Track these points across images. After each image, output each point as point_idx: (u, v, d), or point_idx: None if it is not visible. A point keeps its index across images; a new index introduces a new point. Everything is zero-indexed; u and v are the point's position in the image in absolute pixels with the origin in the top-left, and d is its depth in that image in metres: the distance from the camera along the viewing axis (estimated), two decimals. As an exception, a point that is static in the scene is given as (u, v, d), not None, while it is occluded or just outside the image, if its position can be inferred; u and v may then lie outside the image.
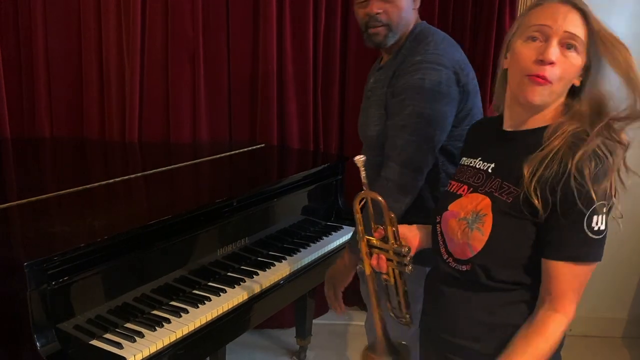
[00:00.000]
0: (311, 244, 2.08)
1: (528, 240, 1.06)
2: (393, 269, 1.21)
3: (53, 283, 1.32)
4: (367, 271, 1.23)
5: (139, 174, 2.07)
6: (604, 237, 1.03)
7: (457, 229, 1.14)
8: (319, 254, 2.04)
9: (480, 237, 1.09)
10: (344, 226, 2.25)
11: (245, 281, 1.76)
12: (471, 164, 1.21)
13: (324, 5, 2.57)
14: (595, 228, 1.00)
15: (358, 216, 1.23)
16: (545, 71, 1.03)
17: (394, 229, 1.19)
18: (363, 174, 1.19)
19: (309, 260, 1.99)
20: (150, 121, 2.71)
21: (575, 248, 1.02)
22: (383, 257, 1.20)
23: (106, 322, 1.46)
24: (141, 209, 1.82)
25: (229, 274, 1.80)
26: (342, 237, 2.17)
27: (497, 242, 1.08)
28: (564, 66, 1.04)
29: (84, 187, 1.86)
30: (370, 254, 1.22)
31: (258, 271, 1.83)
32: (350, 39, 2.62)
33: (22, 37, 2.75)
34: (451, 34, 2.47)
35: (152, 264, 1.59)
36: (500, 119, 1.20)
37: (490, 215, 1.08)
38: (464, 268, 1.13)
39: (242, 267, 1.85)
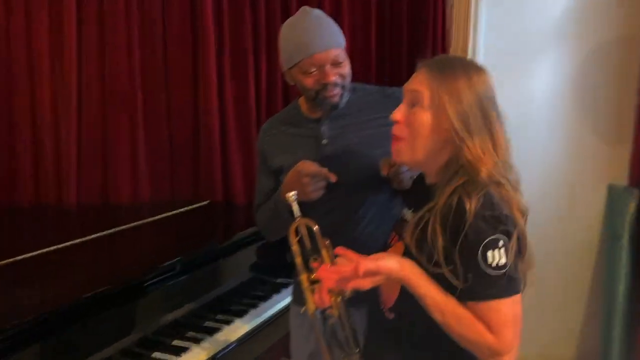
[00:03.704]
0: (261, 304, 2.02)
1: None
2: (335, 298, 1.16)
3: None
4: (311, 310, 1.18)
5: (76, 241, 1.97)
6: (513, 267, 1.01)
7: None
8: (270, 314, 1.99)
9: (395, 285, 1.11)
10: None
11: (191, 349, 1.68)
12: (404, 216, 1.24)
13: (264, 58, 2.60)
14: (494, 264, 0.99)
15: (294, 248, 1.21)
16: (394, 130, 1.12)
17: (329, 253, 1.17)
18: (295, 207, 1.24)
19: (260, 322, 1.93)
20: (87, 181, 2.63)
21: (483, 287, 1.00)
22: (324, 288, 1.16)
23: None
24: (78, 280, 1.71)
25: (174, 343, 1.72)
26: (293, 293, 2.13)
27: (407, 290, 1.07)
28: (409, 122, 1.10)
29: (14, 259, 1.75)
30: (312, 291, 1.17)
31: (205, 337, 1.75)
32: (291, 92, 2.65)
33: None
34: (389, 69, 2.58)
35: (91, 338, 1.49)
36: None
37: None
38: (391, 316, 1.16)
39: (188, 334, 1.77)
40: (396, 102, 1.53)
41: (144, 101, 2.59)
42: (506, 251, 1.00)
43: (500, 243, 1.00)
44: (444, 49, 2.47)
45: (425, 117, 1.08)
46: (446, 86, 1.07)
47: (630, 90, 2.43)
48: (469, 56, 2.47)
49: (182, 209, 2.44)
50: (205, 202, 2.56)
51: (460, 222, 1.00)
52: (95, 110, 2.59)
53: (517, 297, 1.03)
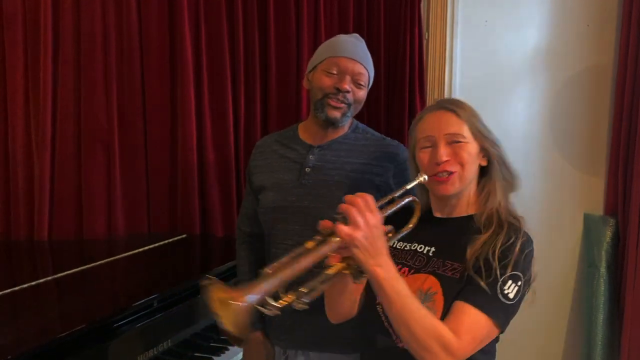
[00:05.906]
0: (240, 340, 1.97)
1: None
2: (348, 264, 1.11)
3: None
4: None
5: (48, 278, 1.91)
6: (512, 307, 1.13)
7: None
8: (249, 351, 1.93)
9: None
10: (273, 316, 2.16)
11: (169, 391, 1.63)
12: (406, 248, 1.28)
13: (242, 92, 2.59)
14: (506, 292, 1.11)
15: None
16: (445, 167, 1.22)
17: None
18: None
19: None
20: (61, 217, 2.57)
21: (482, 297, 1.11)
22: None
23: None
24: (50, 319, 1.66)
25: (151, 384, 1.66)
26: (273, 328, 2.08)
27: None
28: (458, 158, 1.23)
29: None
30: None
31: (183, 376, 1.70)
32: (270, 125, 2.65)
33: None
34: (366, 102, 2.58)
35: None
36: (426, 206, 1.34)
37: (441, 292, 1.15)
38: (401, 344, 1.16)
39: (166, 374, 1.72)
40: (388, 157, 1.59)
41: (120, 135, 2.56)
42: (518, 292, 1.12)
43: (519, 282, 1.13)
44: (421, 84, 2.50)
45: (471, 148, 1.25)
46: (475, 118, 1.27)
47: (603, 118, 2.49)
48: (446, 90, 2.52)
49: (158, 243, 2.39)
50: (182, 236, 2.51)
51: (510, 253, 1.15)
52: (70, 145, 2.54)
53: (495, 329, 1.12)
